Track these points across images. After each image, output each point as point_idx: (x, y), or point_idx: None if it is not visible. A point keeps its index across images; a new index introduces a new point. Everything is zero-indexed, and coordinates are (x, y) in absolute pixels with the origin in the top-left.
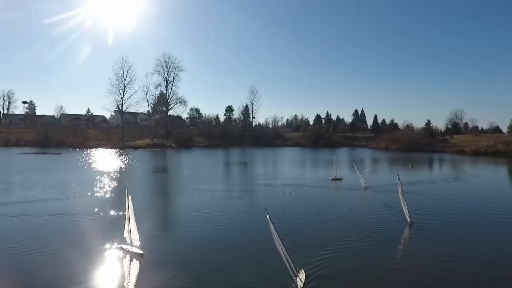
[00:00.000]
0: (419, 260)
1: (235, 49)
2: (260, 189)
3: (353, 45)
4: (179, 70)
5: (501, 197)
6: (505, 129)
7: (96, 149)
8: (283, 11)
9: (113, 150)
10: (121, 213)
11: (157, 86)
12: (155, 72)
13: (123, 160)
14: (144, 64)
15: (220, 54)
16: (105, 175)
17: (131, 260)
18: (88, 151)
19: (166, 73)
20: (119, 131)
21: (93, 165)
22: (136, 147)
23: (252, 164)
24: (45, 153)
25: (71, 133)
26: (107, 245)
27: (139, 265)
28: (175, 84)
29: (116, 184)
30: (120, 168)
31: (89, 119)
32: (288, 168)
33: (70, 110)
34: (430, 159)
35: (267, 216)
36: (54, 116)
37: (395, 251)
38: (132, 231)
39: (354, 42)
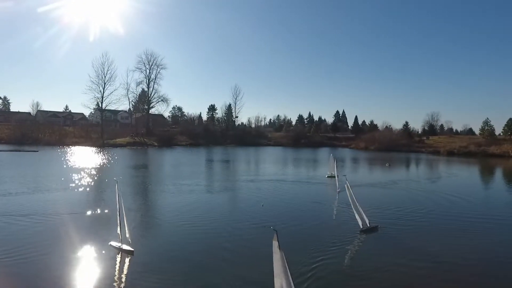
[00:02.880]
0: (376, 266)
1: (218, 48)
2: (244, 186)
3: (335, 46)
4: (162, 68)
5: (471, 198)
6: (477, 131)
7: (74, 146)
8: (267, 12)
9: (92, 148)
10: (104, 210)
11: (138, 84)
12: (137, 69)
13: (103, 157)
14: (126, 61)
15: (203, 53)
16: (85, 173)
17: (122, 257)
18: (66, 149)
19: (148, 71)
20: (99, 128)
21: (71, 163)
22: (116, 145)
23: (234, 163)
24: (19, 150)
25: (47, 130)
26: (96, 243)
27: (129, 262)
28: (157, 82)
29: (96, 181)
30: (100, 166)
31: (67, 117)
32: (270, 166)
33: (47, 106)
34: (407, 159)
35: (276, 242)
36: (29, 113)
37: (348, 258)
38: (122, 227)
39: (336, 43)
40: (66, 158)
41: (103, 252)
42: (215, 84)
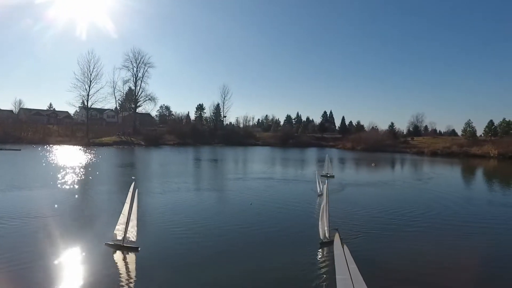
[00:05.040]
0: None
1: (207, 47)
2: (233, 185)
3: (323, 47)
4: (149, 66)
5: (453, 198)
6: (460, 132)
7: (59, 145)
8: (255, 12)
9: (77, 147)
10: (92, 210)
11: (125, 82)
12: (124, 68)
13: (89, 156)
14: (113, 60)
15: (191, 52)
16: (70, 172)
17: (127, 255)
18: (50, 148)
19: (135, 69)
20: (84, 127)
21: (56, 161)
22: (102, 144)
23: (223, 162)
24: (1, 149)
25: (31, 129)
26: (98, 242)
27: (135, 259)
28: (144, 80)
29: (82, 180)
30: (86, 165)
31: (51, 115)
32: (259, 165)
33: (30, 104)
34: (392, 159)
35: (338, 240)
36: (12, 111)
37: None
38: (131, 225)
39: (324, 45)
40: (51, 156)
41: (106, 251)
42: (203, 83)
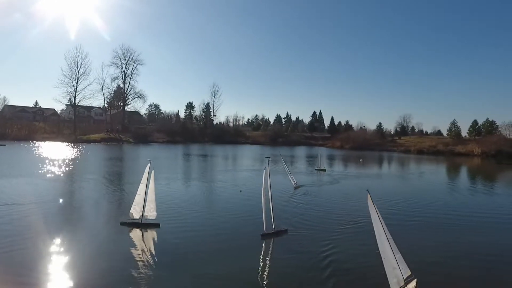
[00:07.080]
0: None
1: (197, 46)
2: (225, 176)
3: (313, 49)
4: (138, 64)
5: (436, 195)
6: (445, 133)
7: (45, 142)
8: (246, 12)
9: (64, 144)
10: (92, 196)
11: (114, 79)
12: (112, 65)
13: (76, 151)
14: (102, 57)
15: (182, 51)
16: (59, 165)
17: (146, 232)
18: (36, 144)
19: (124, 66)
20: (71, 125)
21: (42, 155)
22: (89, 141)
23: (213, 157)
24: None
25: (16, 125)
26: (113, 222)
27: (156, 234)
28: (133, 78)
29: (72, 172)
30: (74, 158)
31: (37, 112)
32: (249, 161)
33: (15, 101)
34: (380, 157)
35: (370, 200)
36: None
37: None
38: (151, 203)
39: (314, 46)
40: (37, 151)
41: (127, 229)
42: (193, 82)
